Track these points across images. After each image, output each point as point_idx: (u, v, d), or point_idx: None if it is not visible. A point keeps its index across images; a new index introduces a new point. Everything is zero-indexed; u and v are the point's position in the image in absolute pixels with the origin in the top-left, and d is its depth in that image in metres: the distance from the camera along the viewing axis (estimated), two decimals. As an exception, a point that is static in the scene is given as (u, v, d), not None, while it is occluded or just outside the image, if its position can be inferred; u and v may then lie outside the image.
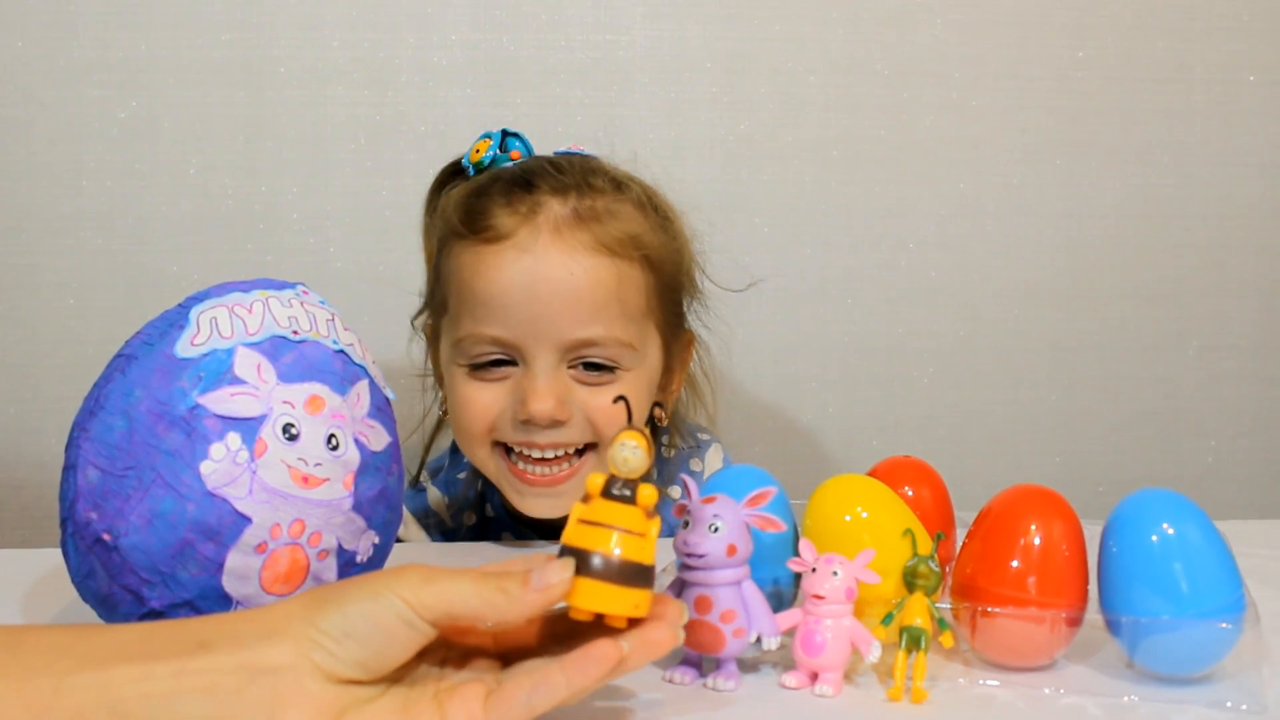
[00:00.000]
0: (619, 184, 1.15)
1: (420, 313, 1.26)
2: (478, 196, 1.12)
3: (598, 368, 1.10)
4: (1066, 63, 1.64)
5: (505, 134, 1.18)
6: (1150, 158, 1.67)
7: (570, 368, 1.09)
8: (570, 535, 0.66)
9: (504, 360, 1.10)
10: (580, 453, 1.12)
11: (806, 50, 1.58)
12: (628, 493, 0.66)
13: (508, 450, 1.12)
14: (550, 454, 1.10)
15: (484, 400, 1.10)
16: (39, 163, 1.50)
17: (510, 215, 1.09)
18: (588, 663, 0.63)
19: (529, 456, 1.10)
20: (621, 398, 0.68)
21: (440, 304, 1.16)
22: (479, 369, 1.10)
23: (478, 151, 1.17)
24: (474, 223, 1.10)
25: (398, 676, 0.65)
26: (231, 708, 0.58)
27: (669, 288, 1.17)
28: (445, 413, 1.23)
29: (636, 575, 0.65)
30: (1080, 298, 1.68)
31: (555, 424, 1.08)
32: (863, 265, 1.63)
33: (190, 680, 0.58)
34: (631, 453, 0.65)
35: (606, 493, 0.66)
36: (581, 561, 0.64)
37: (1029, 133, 1.64)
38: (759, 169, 1.59)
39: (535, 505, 1.12)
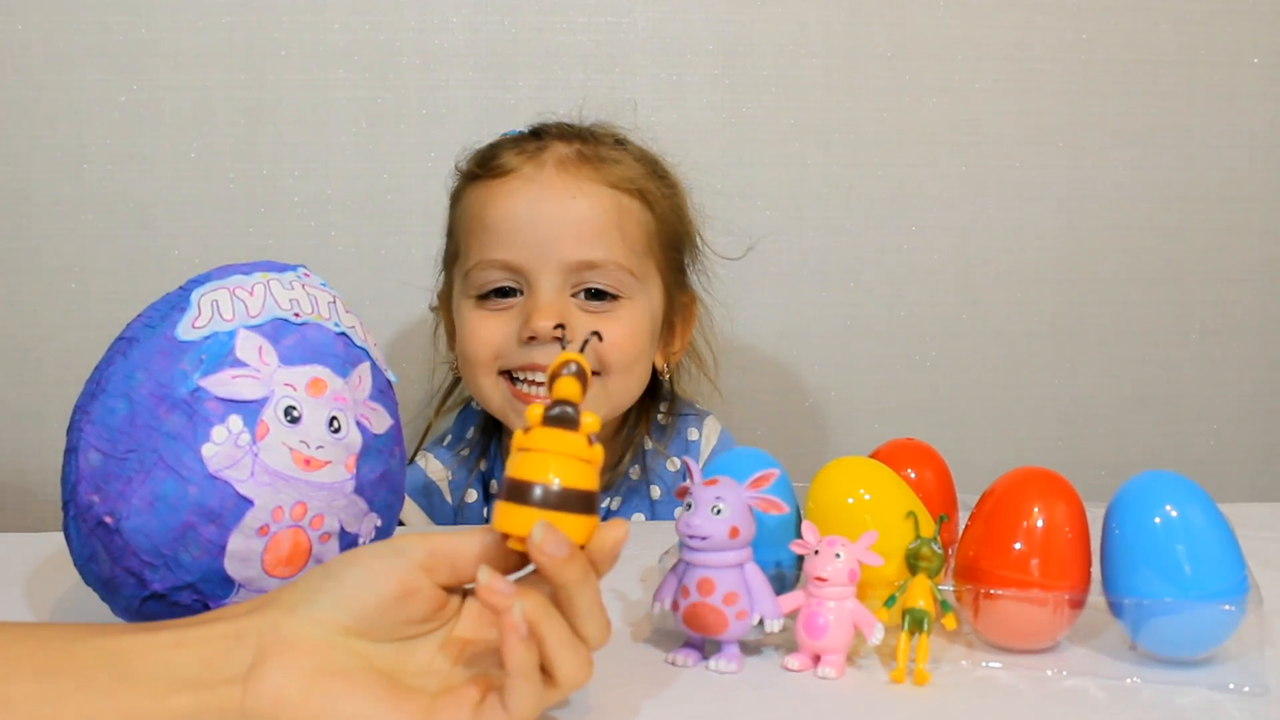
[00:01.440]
0: (620, 141, 1.24)
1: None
2: (491, 148, 1.22)
3: (600, 296, 1.16)
4: (1069, 45, 1.63)
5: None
6: (1153, 140, 1.67)
7: (573, 295, 1.16)
8: (510, 466, 0.64)
9: (510, 289, 1.16)
10: None
11: (809, 33, 1.58)
12: (569, 413, 0.64)
13: (513, 380, 1.17)
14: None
15: (490, 326, 1.17)
16: (40, 146, 1.49)
17: (518, 155, 1.18)
18: (504, 641, 0.61)
19: (532, 381, 1.16)
20: (595, 333, 0.69)
21: (452, 254, 1.24)
22: (486, 298, 1.17)
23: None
24: (484, 164, 1.19)
25: (409, 666, 0.65)
26: (219, 664, 0.61)
27: (670, 236, 1.24)
28: (458, 371, 1.28)
29: (576, 501, 0.63)
30: (1082, 281, 1.68)
31: (557, 342, 1.13)
32: (865, 248, 1.63)
33: (188, 647, 0.61)
34: (561, 362, 0.65)
35: (546, 418, 0.64)
36: (519, 491, 0.63)
37: (1031, 115, 1.64)
38: (761, 152, 1.59)
39: None
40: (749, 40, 1.57)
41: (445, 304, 1.28)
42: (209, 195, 1.52)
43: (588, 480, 0.64)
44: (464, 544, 0.65)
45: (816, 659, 0.76)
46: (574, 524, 0.63)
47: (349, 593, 0.63)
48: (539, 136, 1.21)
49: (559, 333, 1.12)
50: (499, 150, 1.20)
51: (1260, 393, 1.74)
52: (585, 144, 1.20)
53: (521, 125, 1.27)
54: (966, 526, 0.81)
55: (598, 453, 0.64)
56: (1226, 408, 1.74)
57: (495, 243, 1.16)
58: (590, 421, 0.64)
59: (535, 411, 0.65)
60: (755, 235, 1.49)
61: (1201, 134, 1.67)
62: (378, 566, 0.64)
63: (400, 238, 1.54)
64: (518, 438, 0.64)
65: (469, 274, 1.18)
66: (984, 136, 1.63)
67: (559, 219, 1.15)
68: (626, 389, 1.20)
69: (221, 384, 0.74)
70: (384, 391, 0.84)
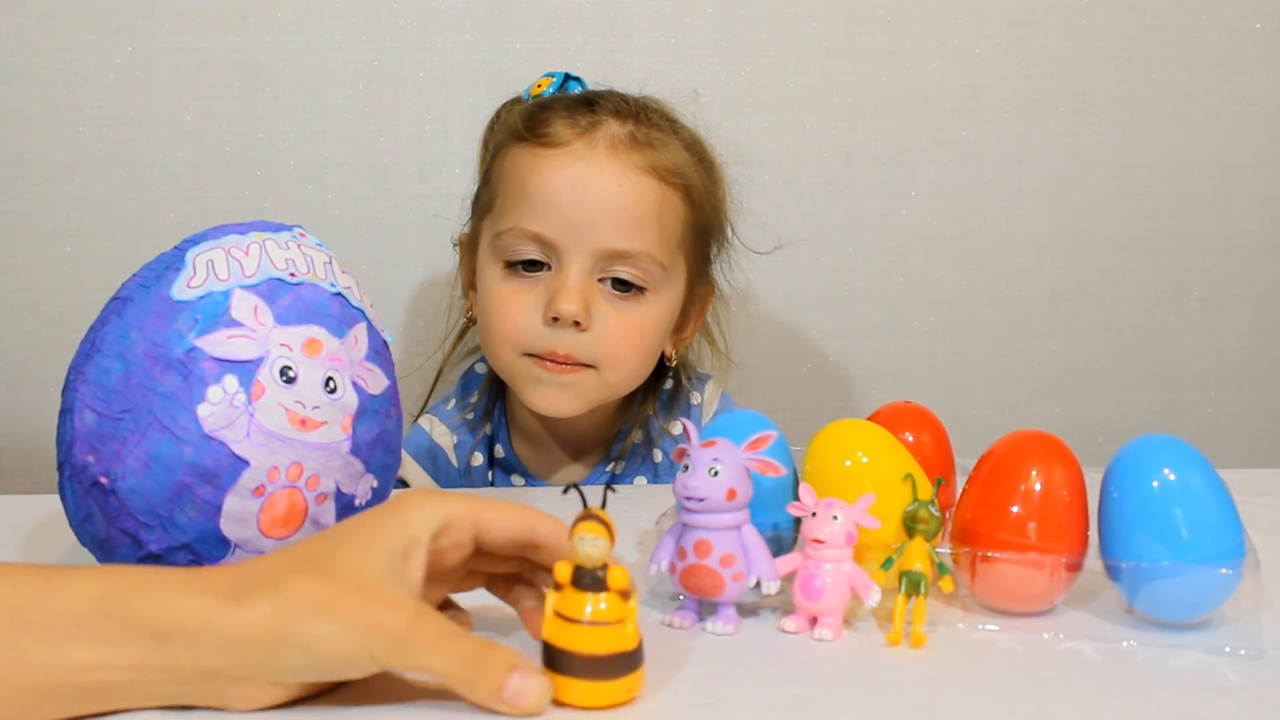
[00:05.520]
0: (673, 123, 1.22)
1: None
2: (542, 109, 1.19)
3: (626, 287, 1.15)
4: (1070, 10, 1.62)
5: (568, 76, 1.26)
6: (1153, 107, 1.66)
7: (600, 281, 1.15)
8: (550, 632, 0.64)
9: (539, 263, 1.15)
10: (583, 365, 1.16)
11: (808, -4, 1.57)
12: (598, 580, 0.64)
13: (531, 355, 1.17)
14: (564, 365, 1.15)
15: (516, 304, 1.15)
16: (34, 109, 1.48)
17: (570, 127, 1.16)
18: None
19: (546, 363, 1.15)
20: (572, 486, 0.67)
21: (485, 205, 1.22)
22: (513, 267, 1.16)
23: (539, 86, 1.24)
24: (535, 128, 1.17)
25: None
26: (188, 699, 0.62)
27: (703, 229, 1.23)
28: (472, 320, 1.27)
29: (623, 664, 0.64)
30: (1081, 247, 1.68)
31: (577, 328, 1.13)
32: (863, 213, 1.62)
33: (150, 674, 0.60)
34: (593, 546, 0.63)
35: (577, 583, 0.64)
36: (564, 662, 0.63)
37: (1031, 80, 1.63)
38: (759, 116, 1.58)
39: (544, 393, 1.16)
40: (748, 3, 1.56)
41: (467, 249, 1.27)
42: (205, 157, 1.51)
43: (625, 642, 0.64)
44: (435, 666, 0.62)
45: (813, 621, 0.76)
46: (619, 686, 0.64)
47: (326, 682, 0.63)
48: (592, 108, 1.18)
49: (582, 318, 1.13)
50: (551, 116, 1.18)
51: (1258, 360, 1.74)
52: (639, 125, 1.18)
53: (565, 72, 1.25)
54: (964, 489, 0.81)
55: (631, 610, 0.65)
56: (1224, 375, 1.74)
57: (533, 214, 1.14)
58: (619, 576, 0.64)
59: (564, 571, 0.65)
60: (751, 200, 1.48)
61: (1202, 100, 1.66)
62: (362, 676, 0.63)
63: (396, 200, 1.53)
64: (552, 599, 0.65)
65: (500, 236, 1.16)
66: (984, 101, 1.62)
67: (601, 204, 1.13)
68: (628, 381, 1.20)
69: (217, 344, 0.74)
70: (380, 352, 0.84)
